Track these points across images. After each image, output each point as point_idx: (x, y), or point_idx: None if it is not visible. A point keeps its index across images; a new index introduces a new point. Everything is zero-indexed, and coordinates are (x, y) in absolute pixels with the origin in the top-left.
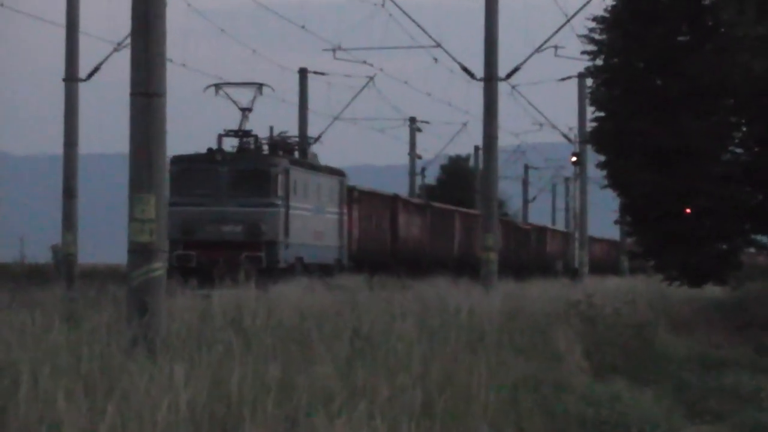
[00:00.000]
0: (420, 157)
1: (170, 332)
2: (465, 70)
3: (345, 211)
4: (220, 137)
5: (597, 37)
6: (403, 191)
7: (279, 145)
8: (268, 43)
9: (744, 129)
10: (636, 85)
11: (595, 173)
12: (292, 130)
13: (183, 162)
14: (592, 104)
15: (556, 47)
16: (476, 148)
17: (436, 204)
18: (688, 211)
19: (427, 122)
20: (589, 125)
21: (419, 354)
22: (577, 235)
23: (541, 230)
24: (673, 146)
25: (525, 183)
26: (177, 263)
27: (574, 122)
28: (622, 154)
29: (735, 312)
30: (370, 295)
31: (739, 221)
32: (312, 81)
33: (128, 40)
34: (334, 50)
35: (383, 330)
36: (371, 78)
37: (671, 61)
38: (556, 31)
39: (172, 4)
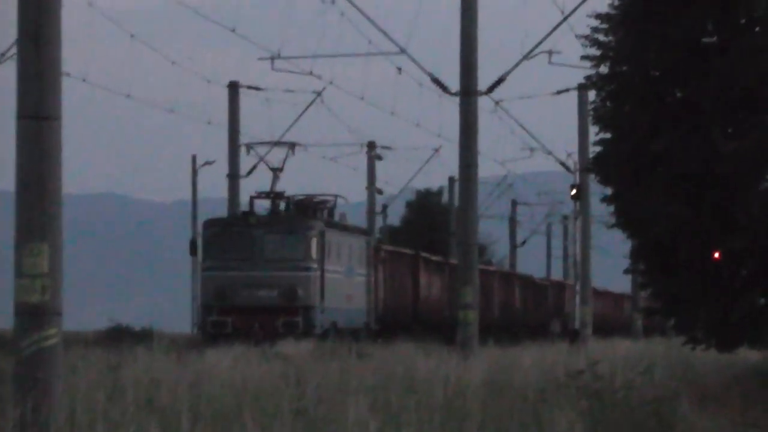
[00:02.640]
0: (381, 192)
1: (68, 415)
2: (436, 82)
3: (372, 272)
4: (251, 199)
5: (601, 38)
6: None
7: (309, 205)
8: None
9: None
10: (651, 98)
11: (599, 210)
12: (219, 158)
13: (216, 225)
14: (595, 123)
15: (550, 52)
16: (451, 180)
17: (453, 261)
18: (717, 256)
19: (389, 148)
20: (593, 149)
21: None
22: (578, 287)
23: (560, 287)
24: (701, 172)
25: (512, 222)
26: (212, 330)
27: (573, 146)
28: (636, 184)
29: None
30: (319, 365)
31: None
32: (245, 97)
33: (13, 50)
34: (272, 59)
35: (333, 410)
36: (319, 93)
37: (695, 67)
38: (550, 32)
39: (70, 4)
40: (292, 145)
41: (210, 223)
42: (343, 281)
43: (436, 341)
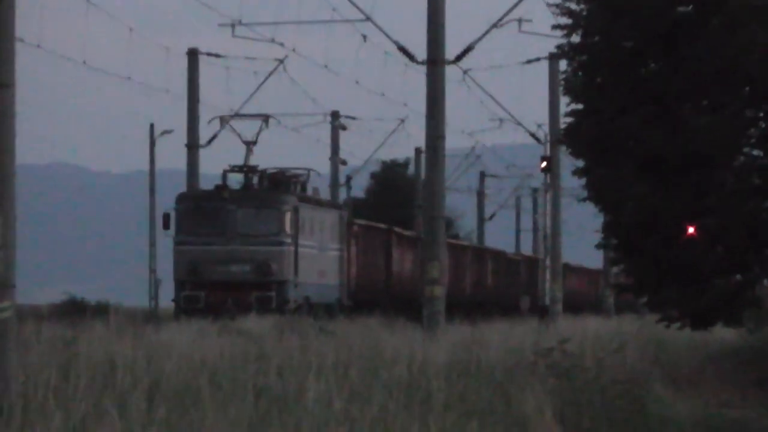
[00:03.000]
0: (345, 163)
1: (21, 391)
2: (402, 50)
3: (345, 247)
4: (224, 173)
5: (573, 7)
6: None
7: (282, 179)
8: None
9: (763, 125)
10: (624, 71)
11: (571, 182)
12: (177, 128)
13: (189, 200)
14: (566, 94)
15: (520, 20)
16: (417, 151)
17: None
18: (691, 231)
19: (353, 118)
20: (564, 121)
21: (341, 418)
22: (548, 262)
23: (533, 262)
24: (673, 150)
25: (480, 195)
26: (185, 305)
27: (544, 117)
28: (607, 159)
29: (752, 362)
30: (280, 343)
31: (757, 246)
32: (205, 65)
33: None
34: (233, 25)
35: (295, 388)
36: (281, 61)
37: (670, 40)
38: (520, 0)
39: None
40: (266, 118)
41: (182, 197)
42: (317, 256)
43: (407, 317)
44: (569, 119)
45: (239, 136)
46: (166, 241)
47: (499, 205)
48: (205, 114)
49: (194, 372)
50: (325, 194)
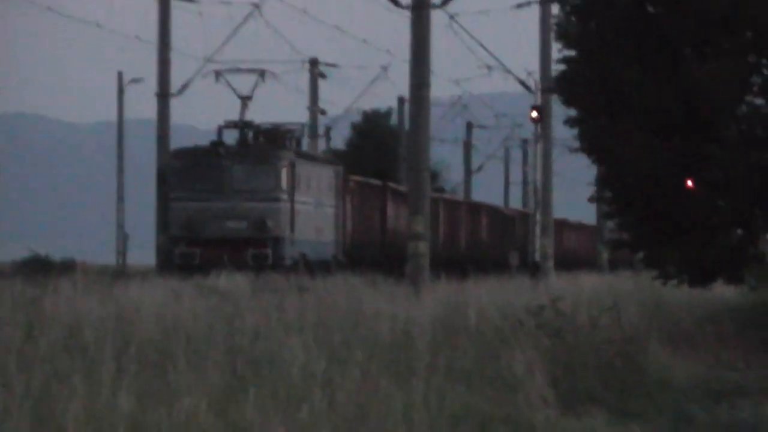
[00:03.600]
0: (324, 113)
1: None
2: None
3: (340, 203)
4: (220, 129)
5: None
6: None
7: (277, 135)
8: None
9: (766, 72)
10: (619, 15)
11: (563, 133)
12: (147, 76)
13: (184, 156)
14: (558, 39)
15: None
16: (401, 101)
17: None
18: (690, 184)
19: (333, 65)
20: (556, 68)
21: (322, 381)
22: (538, 217)
23: (527, 217)
24: (672, 99)
25: (467, 147)
26: (180, 261)
27: (534, 65)
28: (602, 108)
29: (754, 321)
30: (256, 302)
31: (760, 198)
32: (177, 11)
33: None
34: None
35: (272, 349)
36: (257, 5)
37: None
38: None
39: None
40: (262, 73)
41: (178, 153)
42: (313, 213)
43: (401, 274)
44: (561, 66)
45: (234, 90)
46: (134, 195)
47: (487, 157)
48: (177, 61)
49: (165, 333)
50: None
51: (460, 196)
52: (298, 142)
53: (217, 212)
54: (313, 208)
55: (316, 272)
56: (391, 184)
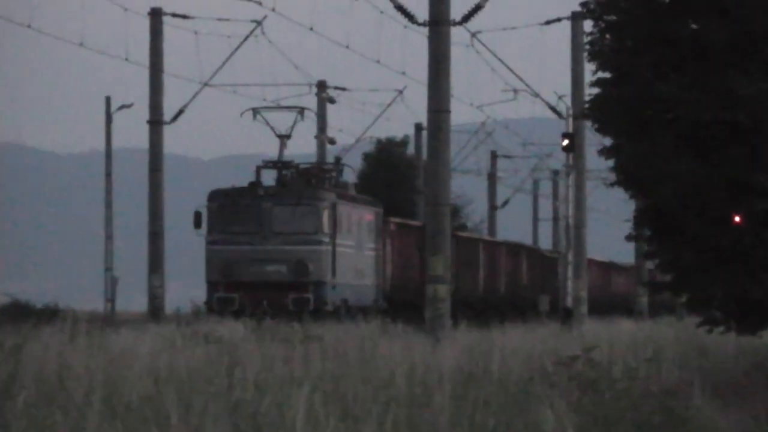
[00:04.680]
0: (333, 142)
1: None
2: (400, 9)
3: (381, 245)
4: (258, 169)
5: None
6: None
7: (316, 174)
8: None
9: None
10: (658, 32)
11: (597, 164)
12: (137, 101)
13: (222, 197)
14: (592, 59)
15: None
16: (418, 128)
17: (462, 233)
18: (737, 219)
19: (343, 89)
20: (589, 92)
21: None
22: (570, 257)
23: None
24: (717, 120)
25: (492, 178)
26: (218, 307)
27: (566, 87)
28: (641, 134)
29: None
30: (258, 350)
31: None
32: (169, 29)
33: None
34: None
35: (278, 404)
36: (259, 22)
37: None
38: None
39: None
40: (301, 110)
41: (215, 194)
42: (354, 256)
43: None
44: (595, 89)
45: (272, 129)
46: (124, 233)
47: (513, 190)
48: (169, 85)
49: (158, 386)
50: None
51: (483, 233)
52: (338, 182)
53: (256, 255)
54: (354, 251)
55: (357, 317)
56: None
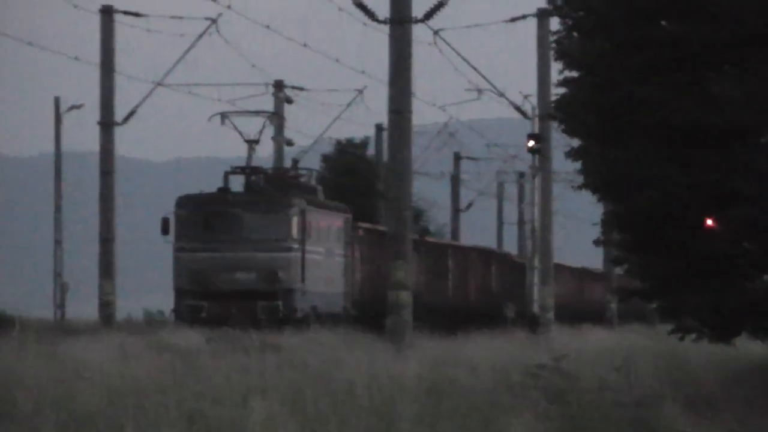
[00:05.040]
0: (291, 144)
1: None
2: (360, 6)
3: (350, 253)
4: (226, 175)
5: None
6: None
7: (285, 180)
8: None
9: None
10: (632, 34)
11: (565, 165)
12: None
13: (190, 204)
14: (559, 58)
15: None
16: (379, 128)
17: (430, 239)
18: (709, 224)
19: (301, 88)
20: (555, 91)
21: None
22: (536, 262)
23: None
24: (694, 122)
25: (455, 181)
26: (187, 315)
27: (532, 87)
28: (610, 135)
29: None
30: (214, 360)
31: None
32: (121, 27)
33: None
34: None
35: (235, 416)
36: (214, 20)
37: None
38: None
39: None
40: (271, 115)
41: (183, 200)
42: (323, 263)
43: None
44: (562, 89)
45: (240, 134)
46: (74, 238)
47: (477, 193)
48: (122, 85)
49: (112, 398)
50: None
51: (447, 237)
52: (307, 188)
53: (226, 263)
54: (323, 258)
55: (326, 325)
56: None
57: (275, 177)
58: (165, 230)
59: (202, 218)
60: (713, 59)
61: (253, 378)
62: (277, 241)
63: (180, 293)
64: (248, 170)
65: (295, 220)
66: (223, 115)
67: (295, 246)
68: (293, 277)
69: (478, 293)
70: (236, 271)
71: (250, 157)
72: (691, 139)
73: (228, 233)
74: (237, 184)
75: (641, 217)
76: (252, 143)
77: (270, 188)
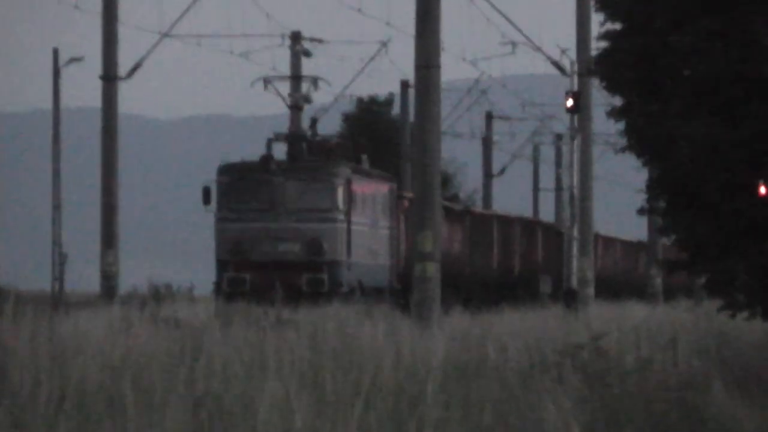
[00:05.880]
0: (309, 101)
1: None
2: None
3: (395, 224)
4: (269, 142)
5: None
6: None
7: (330, 147)
8: None
9: None
10: None
11: (605, 127)
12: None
13: (232, 172)
14: (600, 9)
15: None
16: (404, 85)
17: (476, 210)
18: (764, 191)
19: (320, 40)
20: (597, 45)
21: None
22: (575, 232)
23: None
24: (743, 77)
25: (487, 143)
26: (228, 287)
27: (570, 41)
28: (656, 92)
29: None
30: (225, 335)
31: None
32: None
33: None
34: None
35: (244, 392)
36: None
37: None
38: None
39: None
40: (314, 80)
41: (225, 169)
42: (369, 234)
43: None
44: (604, 43)
45: (284, 99)
46: (75, 203)
47: (511, 156)
48: (125, 36)
49: (113, 374)
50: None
51: (477, 203)
52: (353, 157)
53: (268, 234)
54: (368, 229)
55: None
56: (445, 202)
57: (319, 144)
58: (206, 200)
59: (244, 187)
60: (757, 5)
61: (269, 356)
62: (323, 211)
63: (221, 265)
64: (291, 138)
65: (340, 190)
66: (266, 80)
67: (341, 217)
68: (339, 249)
69: (522, 266)
70: (280, 242)
71: (293, 123)
72: (732, 90)
73: (271, 203)
74: (259, 144)
75: (681, 177)
76: (296, 109)
77: (314, 156)
